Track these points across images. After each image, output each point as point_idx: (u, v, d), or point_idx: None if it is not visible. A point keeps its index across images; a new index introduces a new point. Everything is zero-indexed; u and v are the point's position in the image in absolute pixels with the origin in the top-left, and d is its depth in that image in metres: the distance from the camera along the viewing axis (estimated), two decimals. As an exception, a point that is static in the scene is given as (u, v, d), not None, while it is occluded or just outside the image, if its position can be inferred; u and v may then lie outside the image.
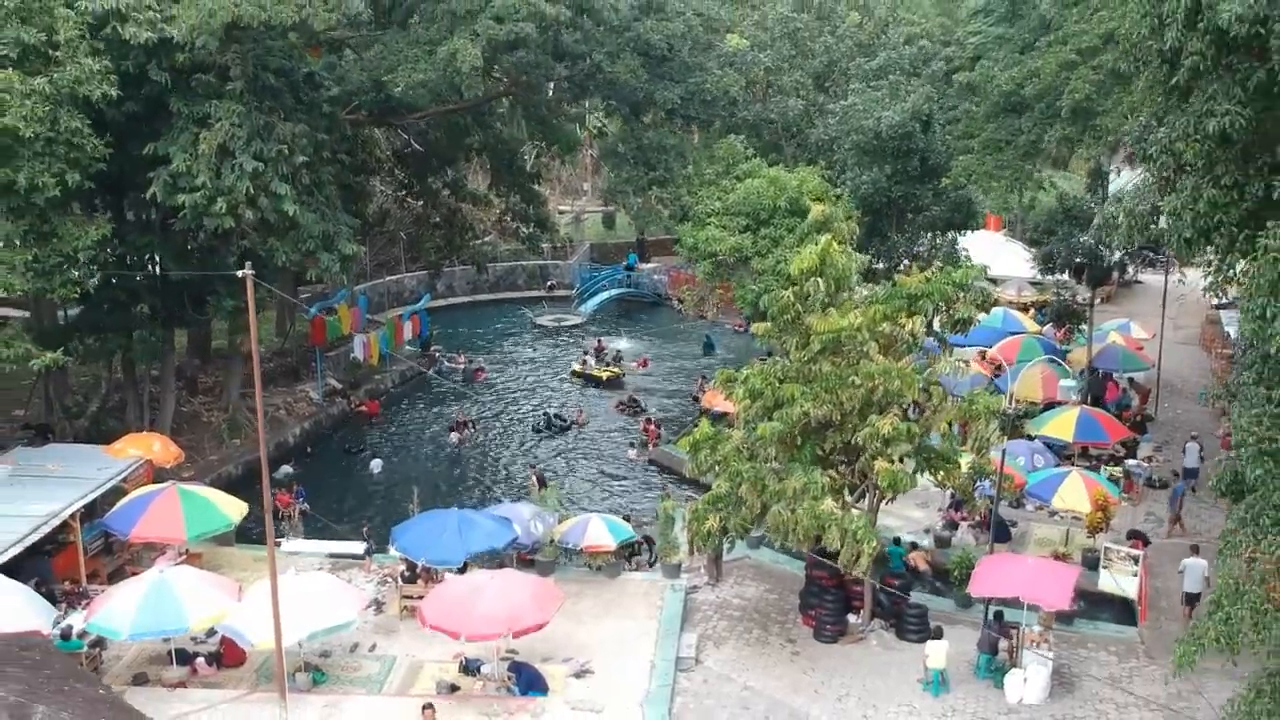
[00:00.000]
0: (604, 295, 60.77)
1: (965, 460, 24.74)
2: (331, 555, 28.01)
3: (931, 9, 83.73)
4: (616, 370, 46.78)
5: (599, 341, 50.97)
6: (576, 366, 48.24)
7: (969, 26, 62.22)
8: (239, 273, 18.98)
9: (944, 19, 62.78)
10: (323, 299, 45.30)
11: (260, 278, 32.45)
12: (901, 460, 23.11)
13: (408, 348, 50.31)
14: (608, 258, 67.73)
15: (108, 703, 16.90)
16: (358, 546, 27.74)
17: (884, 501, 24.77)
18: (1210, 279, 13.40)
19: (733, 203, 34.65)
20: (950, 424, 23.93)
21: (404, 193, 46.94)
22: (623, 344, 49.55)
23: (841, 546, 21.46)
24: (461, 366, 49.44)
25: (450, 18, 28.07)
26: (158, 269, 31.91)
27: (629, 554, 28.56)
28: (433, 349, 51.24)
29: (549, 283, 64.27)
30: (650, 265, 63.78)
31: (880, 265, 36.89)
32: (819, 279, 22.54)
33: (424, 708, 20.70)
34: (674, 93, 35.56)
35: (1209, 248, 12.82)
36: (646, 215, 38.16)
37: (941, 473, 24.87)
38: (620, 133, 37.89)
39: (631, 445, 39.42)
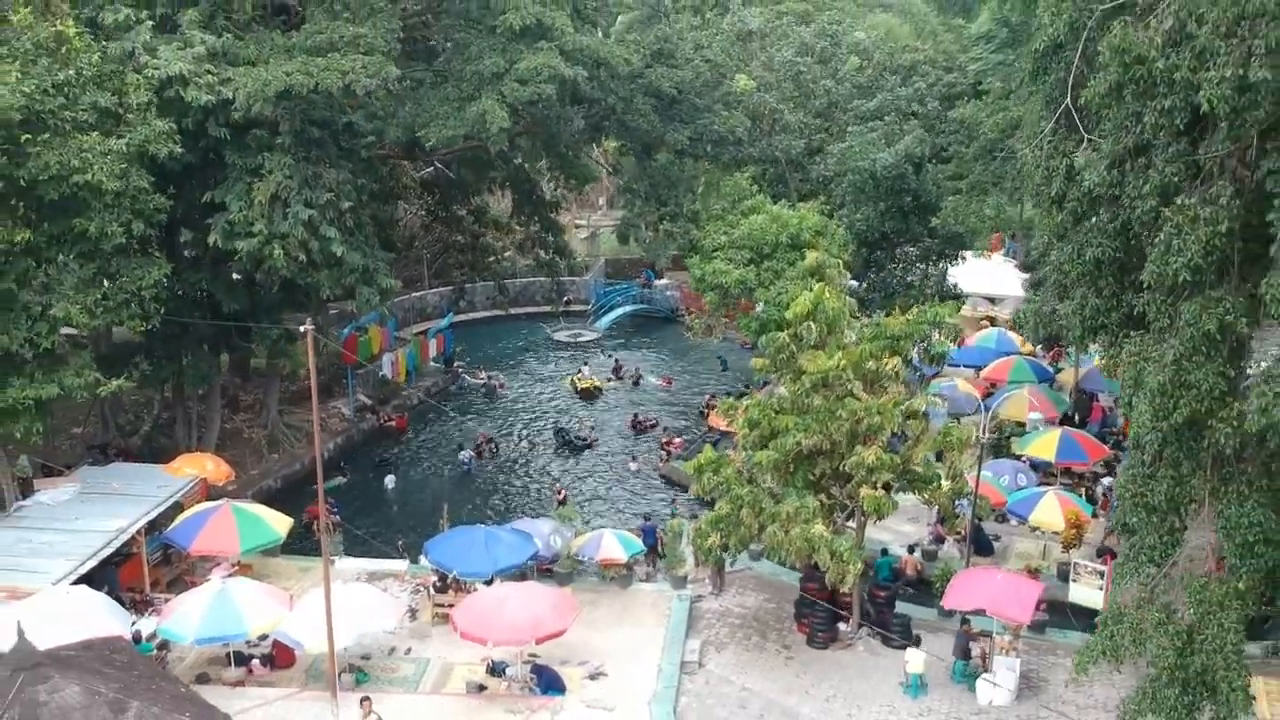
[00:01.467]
0: (619, 311, 63.44)
1: (946, 482, 27.32)
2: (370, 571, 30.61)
3: (939, 25, 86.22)
4: (596, 383, 49.89)
5: (617, 361, 53.61)
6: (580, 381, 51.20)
7: (971, 53, 64.78)
8: (301, 328, 21.62)
9: (946, 45, 65.34)
10: (353, 319, 47.92)
11: (299, 304, 35.58)
12: (885, 486, 25.71)
13: (432, 364, 53.10)
14: (622, 273, 70.29)
15: (189, 699, 19.62)
16: (400, 564, 30.32)
17: (871, 520, 27.35)
18: (1104, 366, 15.96)
19: (738, 237, 37.28)
20: (928, 452, 26.42)
21: (430, 218, 49.59)
22: (651, 378, 52.15)
23: (830, 565, 24.04)
24: (482, 382, 52.22)
25: (478, 78, 30.78)
26: (190, 290, 34.32)
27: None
28: (455, 365, 53.96)
29: (565, 298, 66.86)
30: (663, 281, 66.34)
31: (876, 295, 39.45)
32: (811, 323, 25.13)
33: (361, 700, 22.87)
34: (683, 134, 38.20)
35: (1095, 344, 15.39)
36: (657, 247, 40.68)
37: (926, 492, 27.45)
38: (633, 170, 40.50)
39: (633, 458, 41.98)
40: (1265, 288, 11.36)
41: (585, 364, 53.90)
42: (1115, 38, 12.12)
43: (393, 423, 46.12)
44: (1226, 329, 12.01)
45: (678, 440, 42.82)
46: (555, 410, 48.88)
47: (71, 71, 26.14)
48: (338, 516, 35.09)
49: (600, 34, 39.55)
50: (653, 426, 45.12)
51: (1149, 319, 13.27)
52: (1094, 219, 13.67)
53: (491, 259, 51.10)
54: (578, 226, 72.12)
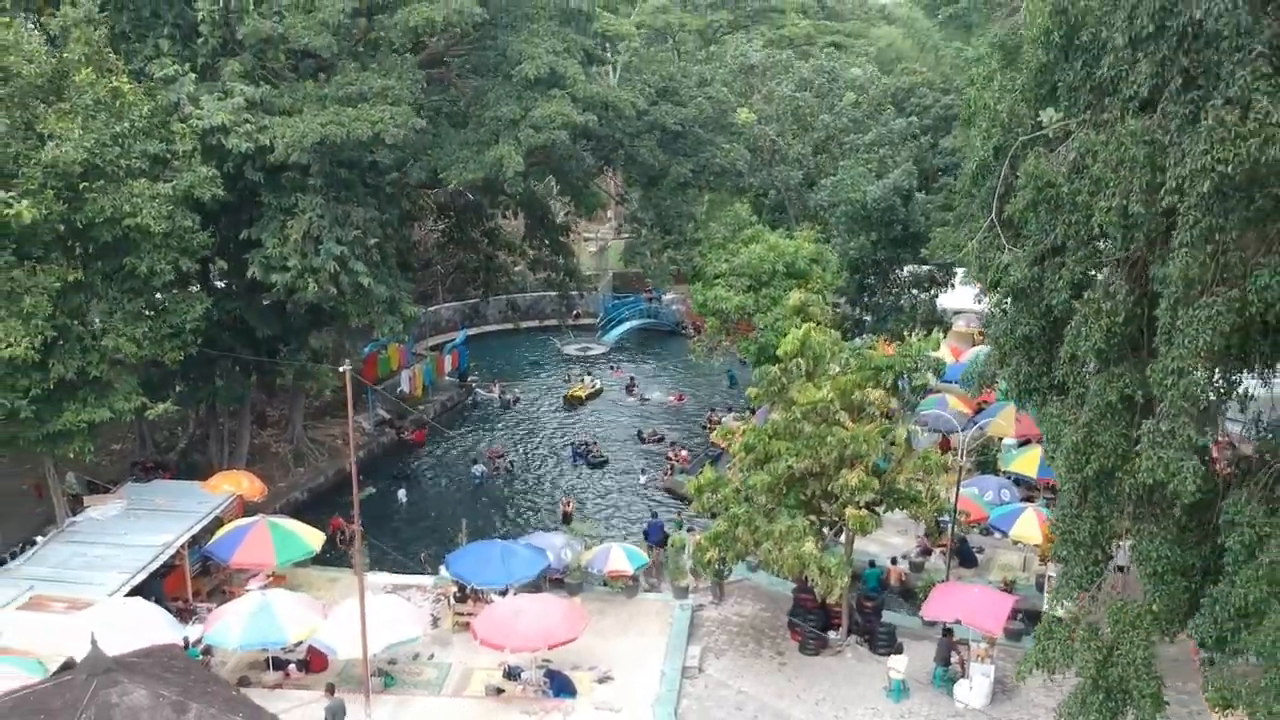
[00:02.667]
0: (626, 325, 65.79)
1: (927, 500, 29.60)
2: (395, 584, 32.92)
3: (941, 40, 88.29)
4: (585, 391, 53.10)
5: (630, 379, 55.96)
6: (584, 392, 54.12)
7: (968, 74, 66.81)
8: (340, 369, 23.93)
9: (949, 58, 67.46)
10: (374, 338, 50.24)
11: (325, 325, 37.88)
12: (870, 505, 27.99)
13: (447, 378, 55.51)
14: (630, 285, 72.63)
15: (240, 701, 21.92)
16: (422, 579, 32.56)
17: (858, 536, 29.61)
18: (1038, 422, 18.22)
19: (738, 265, 39.58)
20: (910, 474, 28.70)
21: (446, 239, 51.92)
22: (655, 394, 54.48)
23: (819, 580, 26.35)
24: (495, 395, 54.62)
25: (496, 124, 33.10)
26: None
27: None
28: (469, 379, 56.35)
29: (574, 312, 69.07)
30: (669, 296, 68.65)
31: (869, 317, 41.75)
32: (800, 359, 27.44)
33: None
34: (687, 166, 40.51)
35: (1029, 404, 17.68)
36: (661, 273, 43.03)
37: (911, 509, 29.73)
38: (639, 200, 42.86)
39: (643, 471, 44.34)
40: (1150, 372, 13.61)
41: (589, 374, 56.65)
42: (1030, 165, 14.46)
43: (410, 437, 48.45)
44: (1126, 399, 14.29)
45: (683, 454, 45.15)
46: (562, 421, 51.26)
47: (126, 124, 28.47)
48: (360, 528, 37.43)
49: (610, 64, 41.67)
50: (658, 441, 47.38)
51: (1067, 387, 15.54)
52: (1022, 303, 15.94)
53: (505, 280, 53.30)
54: (586, 239, 74.41)
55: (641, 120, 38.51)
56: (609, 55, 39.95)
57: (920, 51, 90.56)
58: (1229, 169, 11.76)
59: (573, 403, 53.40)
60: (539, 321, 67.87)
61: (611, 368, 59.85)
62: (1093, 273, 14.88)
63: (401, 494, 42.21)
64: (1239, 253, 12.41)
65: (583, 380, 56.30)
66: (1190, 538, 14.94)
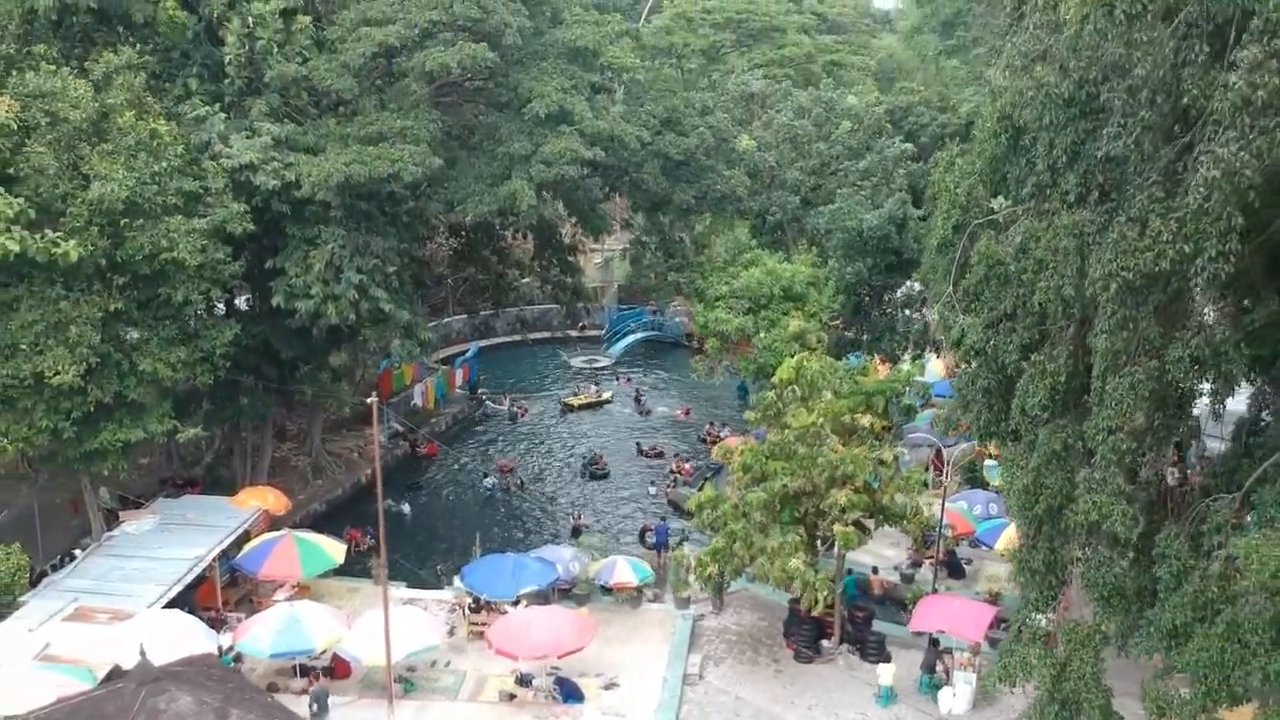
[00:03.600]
0: (631, 338, 67.69)
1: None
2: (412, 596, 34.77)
3: (941, 53, 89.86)
4: (575, 401, 55.53)
5: (638, 391, 57.82)
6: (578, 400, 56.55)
7: (962, 93, 68.69)
8: (368, 400, 25.82)
9: (941, 88, 69.30)
10: (389, 354, 52.14)
11: (344, 344, 39.73)
12: (858, 523, 29.87)
13: (458, 390, 57.43)
14: (635, 297, 74.49)
15: (277, 708, 23.83)
16: (447, 594, 34.30)
17: (849, 549, 31.49)
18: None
19: (738, 288, 41.45)
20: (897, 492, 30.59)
21: (457, 257, 53.84)
22: (661, 408, 56.37)
23: (802, 594, 28.23)
24: (505, 408, 56.54)
25: (508, 159, 34.99)
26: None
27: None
28: (479, 392, 58.28)
29: (580, 324, 71.07)
30: (673, 308, 70.47)
31: (864, 337, 43.63)
32: (794, 386, 29.31)
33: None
34: (689, 193, 42.38)
35: (991, 443, 19.52)
36: (665, 295, 44.93)
37: (900, 524, 31.61)
38: (644, 224, 44.74)
39: (651, 483, 46.22)
40: (1086, 428, 15.45)
41: (596, 384, 58.71)
42: (983, 245, 16.33)
43: (423, 450, 50.28)
44: (1068, 447, 16.11)
45: (687, 466, 47.00)
46: (572, 433, 53.20)
47: (163, 164, 30.37)
48: (373, 540, 39.34)
49: (615, 92, 43.47)
50: (658, 455, 49.15)
51: (1020, 434, 17.35)
52: (980, 360, 17.78)
53: (515, 297, 55.31)
54: (592, 251, 76.37)
55: (646, 150, 40.32)
56: (614, 85, 41.71)
57: (921, 63, 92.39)
58: (1130, 275, 13.65)
59: (568, 409, 55.66)
60: (550, 333, 69.79)
61: (614, 378, 61.71)
62: (1039, 336, 16.72)
63: (405, 508, 43.80)
64: (1157, 328, 14.26)
65: (590, 390, 58.30)
66: (1136, 566, 16.74)
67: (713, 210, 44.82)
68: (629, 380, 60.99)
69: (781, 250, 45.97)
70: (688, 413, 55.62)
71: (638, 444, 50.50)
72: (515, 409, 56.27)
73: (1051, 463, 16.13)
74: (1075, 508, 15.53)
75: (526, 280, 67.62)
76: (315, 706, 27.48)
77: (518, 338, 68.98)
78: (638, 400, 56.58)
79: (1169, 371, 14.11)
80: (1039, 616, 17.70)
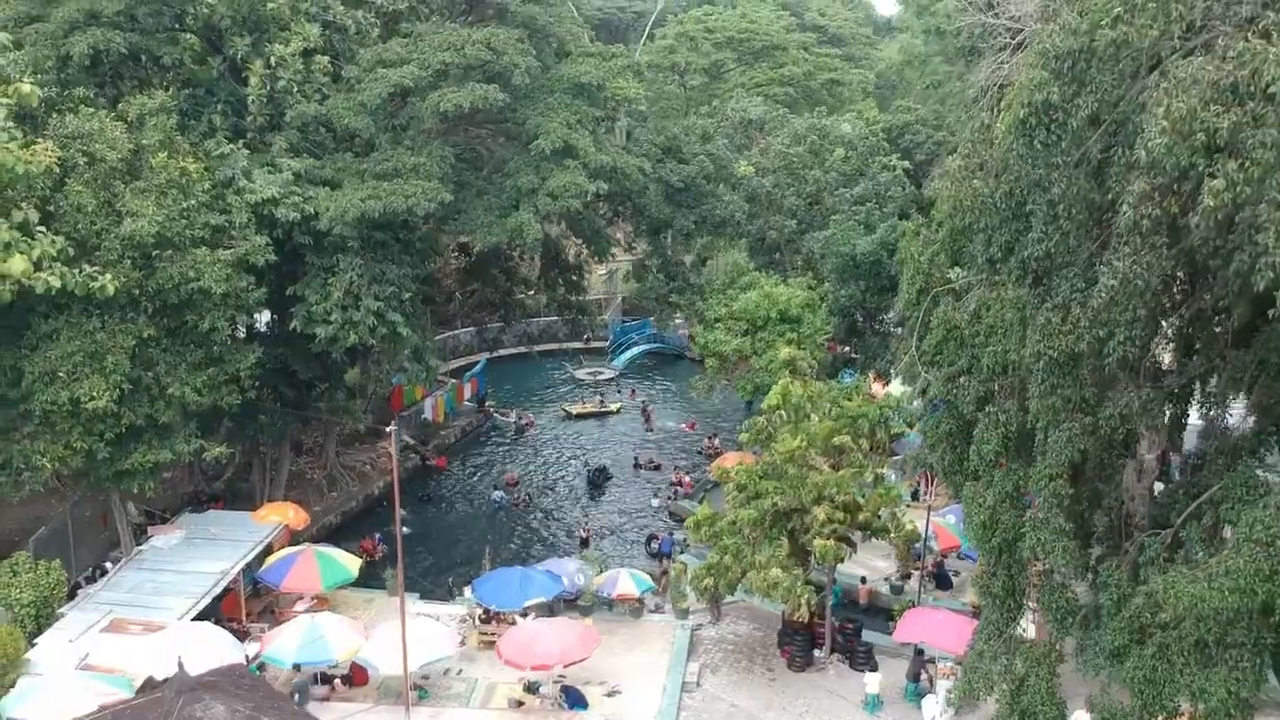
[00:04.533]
0: (635, 350, 69.48)
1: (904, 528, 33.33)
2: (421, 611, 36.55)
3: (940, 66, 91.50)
4: (575, 409, 57.74)
5: (644, 406, 59.56)
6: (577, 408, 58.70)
7: (957, 112, 70.33)
8: (387, 429, 27.66)
9: (937, 106, 71.00)
10: (402, 368, 54.00)
11: (358, 362, 41.62)
12: (843, 538, 31.71)
13: (466, 403, 59.30)
14: (639, 309, 76.32)
15: (304, 715, 25.71)
16: (460, 609, 36.04)
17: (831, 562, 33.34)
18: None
19: (736, 310, 43.30)
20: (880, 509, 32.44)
21: (466, 274, 55.77)
22: (669, 422, 58.22)
23: (787, 600, 30.12)
24: (512, 420, 58.40)
25: (516, 192, 36.87)
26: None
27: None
28: (487, 404, 60.14)
29: (585, 336, 72.85)
30: (676, 321, 72.23)
31: (857, 356, 45.47)
32: (782, 411, 31.16)
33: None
34: (689, 219, 44.25)
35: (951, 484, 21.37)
36: (666, 317, 46.83)
37: (886, 537, 33.44)
38: (646, 248, 46.68)
39: (654, 495, 48.05)
40: (1031, 475, 17.24)
41: (601, 395, 60.66)
42: (941, 310, 18.13)
43: (433, 462, 52.13)
44: (1019, 489, 17.87)
45: (688, 479, 48.81)
46: (579, 445, 55.05)
47: (192, 200, 32.25)
48: (384, 549, 41.31)
49: (619, 120, 45.31)
50: (655, 468, 50.94)
51: (979, 474, 19.13)
52: (942, 408, 19.60)
53: (521, 314, 57.26)
54: (597, 263, 78.16)
55: (647, 178, 42.13)
56: (618, 114, 43.54)
57: (920, 75, 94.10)
58: (1055, 354, 15.47)
59: (568, 416, 58.06)
60: (559, 344, 71.60)
61: (619, 390, 63.48)
62: (991, 390, 18.52)
63: (405, 529, 45.26)
64: (1092, 389, 16.06)
65: (594, 399, 60.24)
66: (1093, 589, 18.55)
67: (712, 234, 46.68)
68: (634, 393, 62.74)
69: (779, 271, 47.77)
70: (693, 426, 57.29)
71: (635, 458, 52.25)
72: (522, 421, 58.08)
73: (1005, 501, 17.95)
74: (1026, 541, 17.36)
75: (533, 294, 69.83)
76: (297, 697, 29.31)
77: (524, 349, 70.79)
78: (645, 414, 58.27)
79: (1101, 427, 15.96)
80: (1020, 626, 19.40)
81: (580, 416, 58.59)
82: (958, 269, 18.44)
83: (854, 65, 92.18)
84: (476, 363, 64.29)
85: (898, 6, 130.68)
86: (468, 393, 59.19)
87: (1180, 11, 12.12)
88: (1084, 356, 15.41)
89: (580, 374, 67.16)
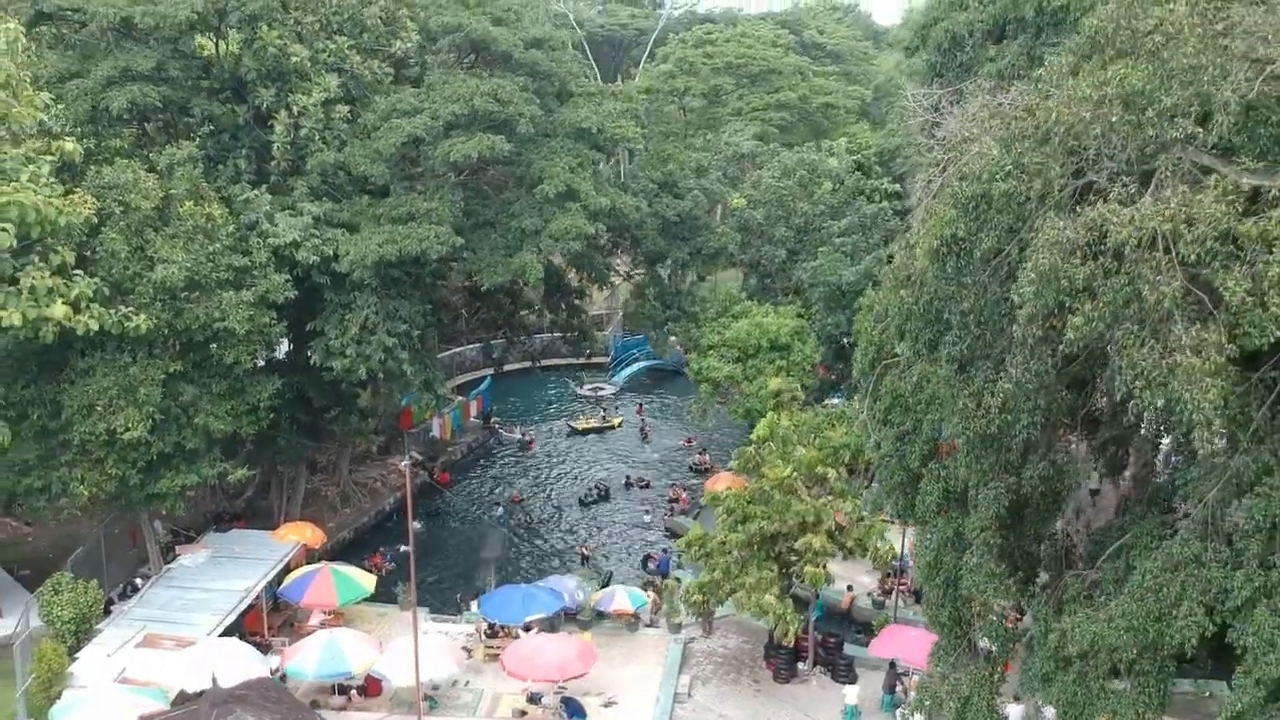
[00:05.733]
0: (635, 366, 71.83)
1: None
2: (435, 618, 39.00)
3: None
4: (582, 425, 60.02)
5: (644, 424, 61.82)
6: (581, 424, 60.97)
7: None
8: (402, 464, 30.05)
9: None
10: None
11: (369, 382, 44.06)
12: (825, 565, 34.14)
13: (473, 420, 61.72)
14: (639, 323, 78.52)
15: (325, 725, 28.15)
16: (468, 627, 38.30)
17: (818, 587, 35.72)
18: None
19: (729, 338, 45.71)
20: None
21: (471, 298, 58.17)
22: (668, 440, 60.49)
23: (774, 625, 32.52)
24: (517, 437, 60.83)
25: (520, 233, 39.34)
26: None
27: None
28: (492, 421, 62.57)
29: (586, 352, 75.11)
30: (674, 337, 74.57)
31: (845, 380, 47.82)
32: (770, 443, 33.59)
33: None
34: (684, 250, 46.69)
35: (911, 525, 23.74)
36: (662, 343, 49.31)
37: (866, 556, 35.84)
38: (643, 277, 49.20)
39: (647, 512, 50.43)
40: (966, 525, 19.62)
41: (604, 410, 63.11)
42: (888, 381, 20.55)
43: (437, 479, 54.45)
44: (959, 534, 20.21)
45: (684, 495, 51.19)
46: (580, 461, 57.44)
47: (217, 244, 34.70)
48: (393, 565, 43.74)
49: (619, 156, 47.72)
50: (645, 487, 53.30)
51: (926, 520, 21.50)
52: (898, 455, 21.99)
53: (526, 335, 59.72)
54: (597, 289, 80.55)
55: (643, 211, 44.53)
56: (618, 152, 45.95)
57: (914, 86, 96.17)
58: (971, 434, 17.85)
59: (574, 431, 60.49)
60: (567, 359, 73.84)
61: (617, 406, 65.80)
62: (934, 449, 20.89)
63: (403, 548, 47.51)
64: (1016, 453, 18.44)
65: (597, 414, 62.65)
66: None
67: (706, 263, 49.14)
68: (641, 409, 65.00)
69: (771, 298, 50.18)
70: (690, 443, 59.47)
71: (626, 476, 54.55)
72: (524, 438, 60.48)
73: (947, 545, 20.32)
74: (964, 582, 19.76)
75: (536, 315, 72.23)
76: None
77: (528, 364, 73.09)
78: (643, 432, 60.56)
79: (1024, 485, 18.35)
80: (950, 659, 21.81)
81: (584, 432, 60.95)
82: (904, 345, 20.83)
83: (851, 81, 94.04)
84: (482, 379, 66.65)
85: (897, 16, 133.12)
86: (474, 410, 61.59)
87: (1055, 173, 14.49)
88: (995, 437, 17.83)
89: (582, 390, 69.45)
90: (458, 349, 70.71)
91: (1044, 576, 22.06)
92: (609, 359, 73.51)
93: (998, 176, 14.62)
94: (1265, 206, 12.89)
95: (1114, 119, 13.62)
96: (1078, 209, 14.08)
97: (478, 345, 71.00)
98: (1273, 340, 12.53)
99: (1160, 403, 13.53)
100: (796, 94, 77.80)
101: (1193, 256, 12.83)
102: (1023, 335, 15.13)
